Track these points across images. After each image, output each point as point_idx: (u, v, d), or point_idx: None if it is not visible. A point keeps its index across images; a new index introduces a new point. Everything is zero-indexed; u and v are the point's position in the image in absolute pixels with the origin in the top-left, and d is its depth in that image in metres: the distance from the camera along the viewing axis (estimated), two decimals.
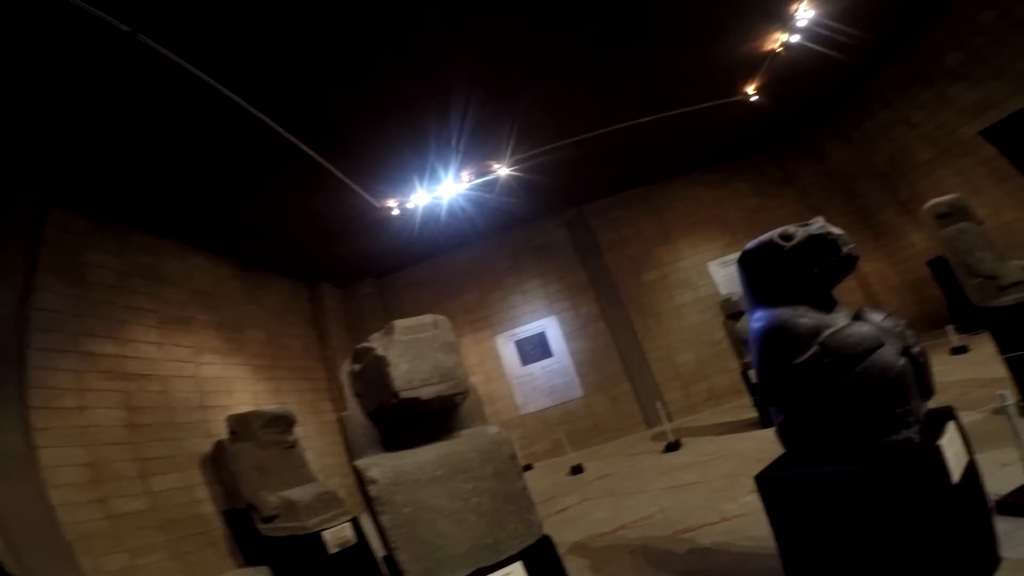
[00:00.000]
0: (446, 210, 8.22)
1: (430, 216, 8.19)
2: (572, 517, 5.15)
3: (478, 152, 6.99)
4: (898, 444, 1.89)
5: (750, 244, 2.21)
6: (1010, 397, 2.65)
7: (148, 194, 5.71)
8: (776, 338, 2.01)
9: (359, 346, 2.05)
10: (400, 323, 1.98)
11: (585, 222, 10.50)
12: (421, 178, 7.15)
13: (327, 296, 9.67)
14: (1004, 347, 4.05)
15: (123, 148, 4.91)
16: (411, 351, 1.87)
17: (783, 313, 2.03)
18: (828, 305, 2.10)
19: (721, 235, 10.27)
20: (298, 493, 4.66)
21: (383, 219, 7.84)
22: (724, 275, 9.93)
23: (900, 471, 1.85)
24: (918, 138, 9.06)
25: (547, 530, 5.09)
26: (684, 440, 6.83)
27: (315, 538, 4.37)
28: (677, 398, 9.52)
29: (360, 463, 1.89)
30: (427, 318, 2.03)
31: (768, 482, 2.23)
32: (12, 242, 4.71)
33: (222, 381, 6.76)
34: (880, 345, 1.87)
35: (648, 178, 10.50)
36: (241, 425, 5.27)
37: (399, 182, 7.11)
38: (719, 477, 4.69)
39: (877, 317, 1.97)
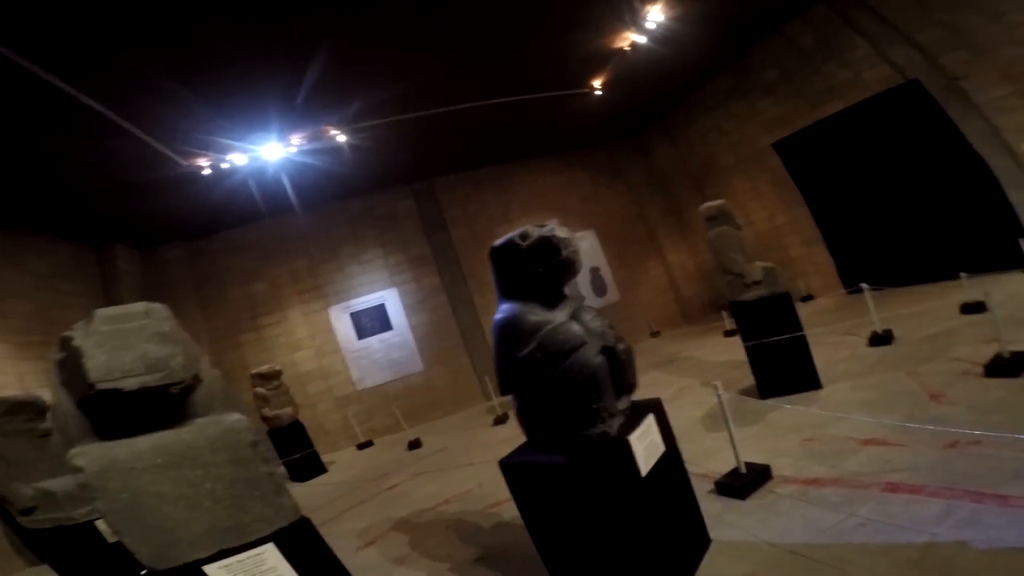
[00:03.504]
0: (272, 172, 7.51)
1: (253, 177, 7.44)
2: (402, 493, 5.36)
3: (316, 116, 6.47)
4: (595, 437, 2.09)
5: (498, 241, 2.38)
6: (722, 388, 3.02)
7: None
8: (506, 332, 2.21)
9: (64, 334, 1.94)
10: (102, 312, 1.90)
11: (434, 195, 10.45)
12: (242, 136, 6.42)
13: (121, 259, 8.29)
14: (745, 335, 4.81)
15: None
16: (111, 341, 1.79)
17: (515, 309, 2.24)
18: (555, 301, 2.33)
19: (558, 219, 10.90)
20: (57, 484, 4.10)
21: (193, 178, 6.90)
22: None
23: (594, 463, 2.02)
24: (726, 145, 10.27)
25: (376, 506, 5.18)
26: (511, 413, 7.27)
27: (89, 528, 4.02)
28: None
29: (70, 453, 1.89)
30: (139, 306, 1.97)
31: (508, 467, 2.40)
32: None
33: None
34: (583, 344, 2.11)
35: (497, 159, 10.72)
36: None
37: (215, 138, 6.25)
38: None
39: (587, 316, 2.25)
